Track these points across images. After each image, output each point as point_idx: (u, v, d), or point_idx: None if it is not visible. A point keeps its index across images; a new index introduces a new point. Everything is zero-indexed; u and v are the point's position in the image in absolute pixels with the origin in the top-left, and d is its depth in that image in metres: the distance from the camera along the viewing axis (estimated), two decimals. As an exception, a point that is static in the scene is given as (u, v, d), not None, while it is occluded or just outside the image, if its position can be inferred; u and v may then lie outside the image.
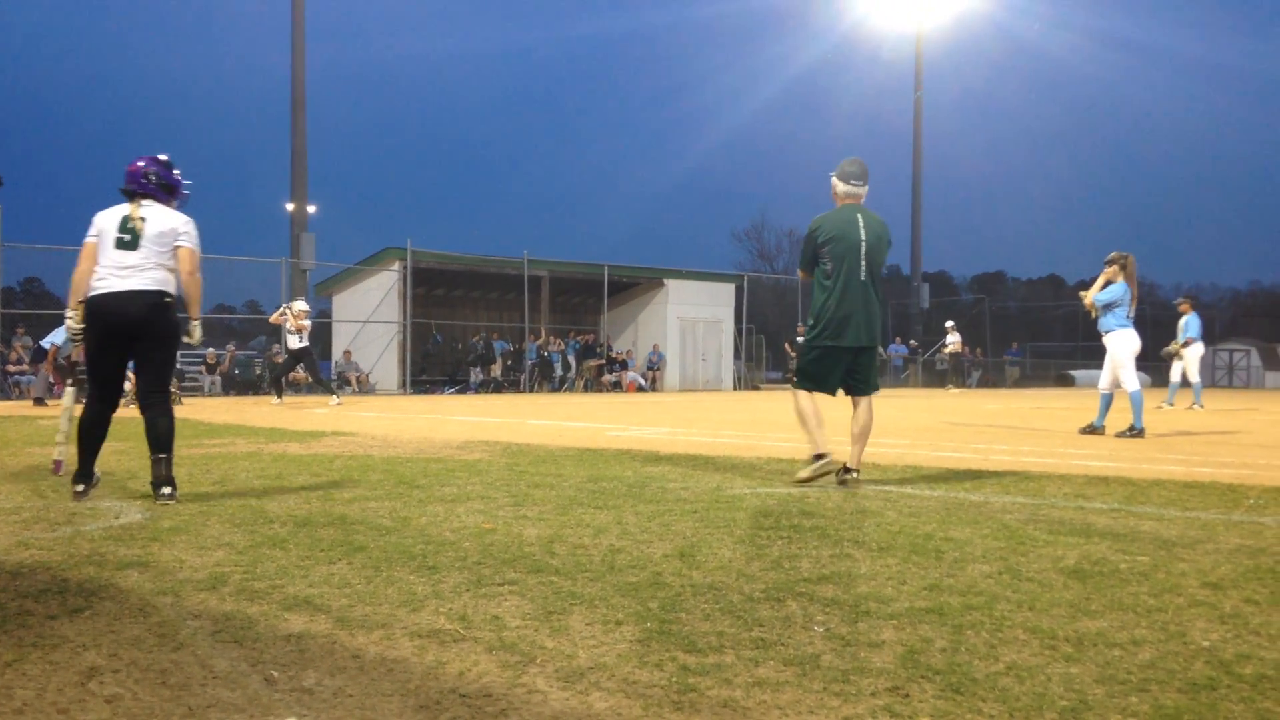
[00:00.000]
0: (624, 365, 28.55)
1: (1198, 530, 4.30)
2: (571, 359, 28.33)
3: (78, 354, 20.74)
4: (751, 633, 2.71)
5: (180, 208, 5.53)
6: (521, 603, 3.02)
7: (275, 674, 2.37)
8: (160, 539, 4.02)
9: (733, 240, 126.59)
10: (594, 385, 27.94)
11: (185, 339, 5.49)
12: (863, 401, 6.03)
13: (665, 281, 30.01)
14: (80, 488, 5.25)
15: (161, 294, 5.22)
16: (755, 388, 30.72)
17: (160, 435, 5.26)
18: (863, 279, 5.85)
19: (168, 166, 5.48)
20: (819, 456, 5.76)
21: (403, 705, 2.17)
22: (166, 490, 5.17)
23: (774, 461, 7.12)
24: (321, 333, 28.00)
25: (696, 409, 16.38)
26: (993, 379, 38.00)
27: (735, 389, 29.98)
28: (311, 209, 27.53)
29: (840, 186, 6.01)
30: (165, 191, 5.44)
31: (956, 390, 28.45)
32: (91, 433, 5.30)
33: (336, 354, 27.07)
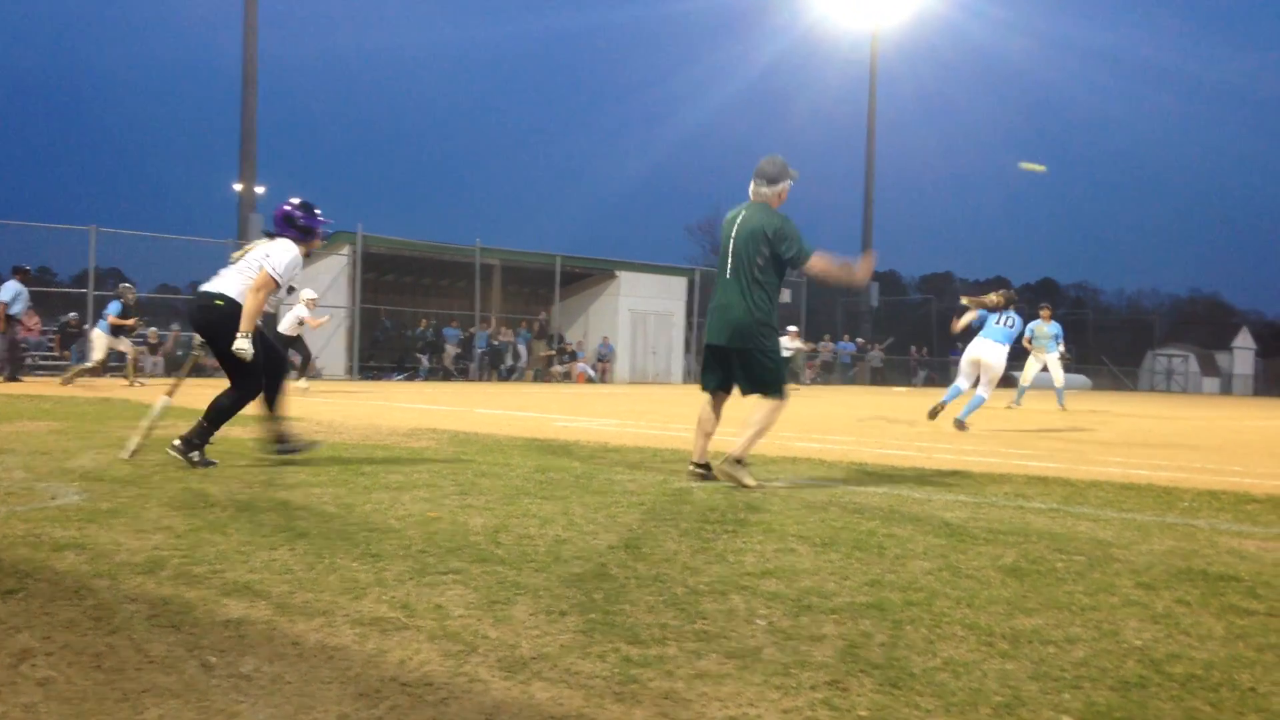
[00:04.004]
0: (573, 356, 28.49)
1: (1133, 531, 4.39)
2: (522, 349, 28.21)
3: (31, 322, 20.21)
4: (694, 625, 2.72)
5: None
6: (465, 592, 3.01)
7: (213, 659, 2.34)
8: (98, 521, 3.95)
9: (686, 234, 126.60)
10: (543, 375, 27.86)
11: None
12: (756, 400, 5.77)
13: (617, 273, 29.95)
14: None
15: (213, 296, 5.71)
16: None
17: (214, 407, 5.76)
18: (728, 276, 5.69)
19: (308, 210, 6.04)
20: (693, 464, 5.89)
21: (342, 693, 2.16)
22: (177, 443, 5.66)
23: (721, 456, 7.13)
24: (268, 317, 27.58)
25: (646, 401, 16.40)
26: (938, 379, 38.45)
27: (684, 382, 30.02)
28: (260, 190, 27.12)
29: (750, 186, 5.82)
30: (304, 234, 6.02)
31: (904, 389, 28.77)
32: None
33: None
